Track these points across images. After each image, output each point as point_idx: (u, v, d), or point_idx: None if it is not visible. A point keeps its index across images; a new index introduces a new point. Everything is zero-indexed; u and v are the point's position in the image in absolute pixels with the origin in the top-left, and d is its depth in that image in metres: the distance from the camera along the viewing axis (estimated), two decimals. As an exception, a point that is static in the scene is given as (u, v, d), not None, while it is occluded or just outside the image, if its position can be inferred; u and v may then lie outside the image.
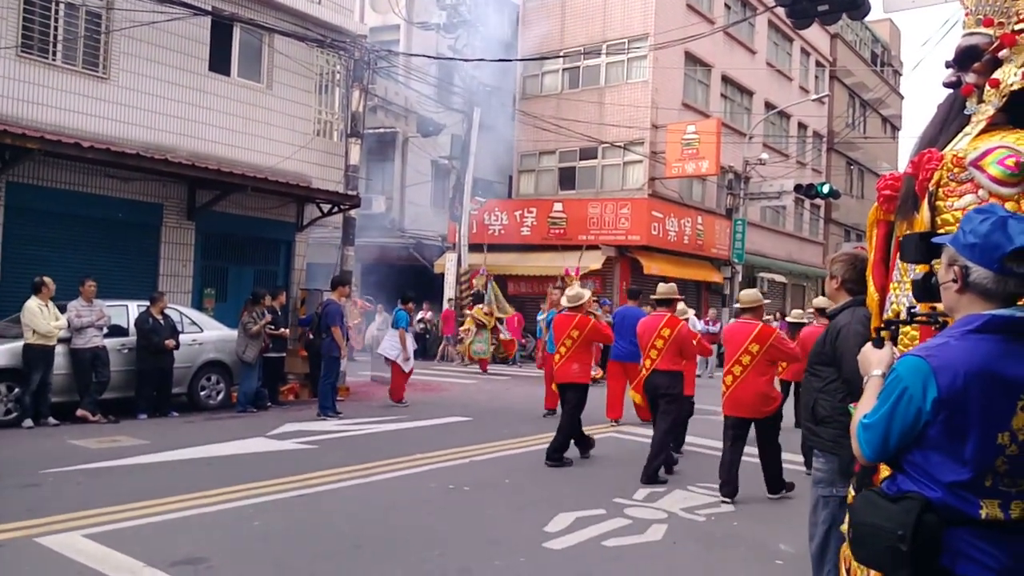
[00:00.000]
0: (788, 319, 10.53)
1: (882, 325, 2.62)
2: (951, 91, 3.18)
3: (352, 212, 14.65)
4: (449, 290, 21.07)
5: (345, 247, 14.94)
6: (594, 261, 21.71)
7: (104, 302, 10.10)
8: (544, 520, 5.73)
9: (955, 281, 2.08)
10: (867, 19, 36.11)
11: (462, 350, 19.49)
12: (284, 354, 12.18)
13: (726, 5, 26.71)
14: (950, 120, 3.14)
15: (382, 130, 22.38)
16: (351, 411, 11.17)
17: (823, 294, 30.19)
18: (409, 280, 21.95)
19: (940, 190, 2.85)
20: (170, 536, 5.16)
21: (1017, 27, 2.91)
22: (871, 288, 3.16)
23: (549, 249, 22.54)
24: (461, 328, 19.44)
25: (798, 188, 25.18)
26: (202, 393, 11.25)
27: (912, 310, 2.57)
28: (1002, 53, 2.91)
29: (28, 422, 9.21)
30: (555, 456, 7.92)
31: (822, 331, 4.23)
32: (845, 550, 2.52)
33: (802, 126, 32.12)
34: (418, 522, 5.76)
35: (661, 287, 7.92)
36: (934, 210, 2.85)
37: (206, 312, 12.40)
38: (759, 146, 27.27)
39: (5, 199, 10.54)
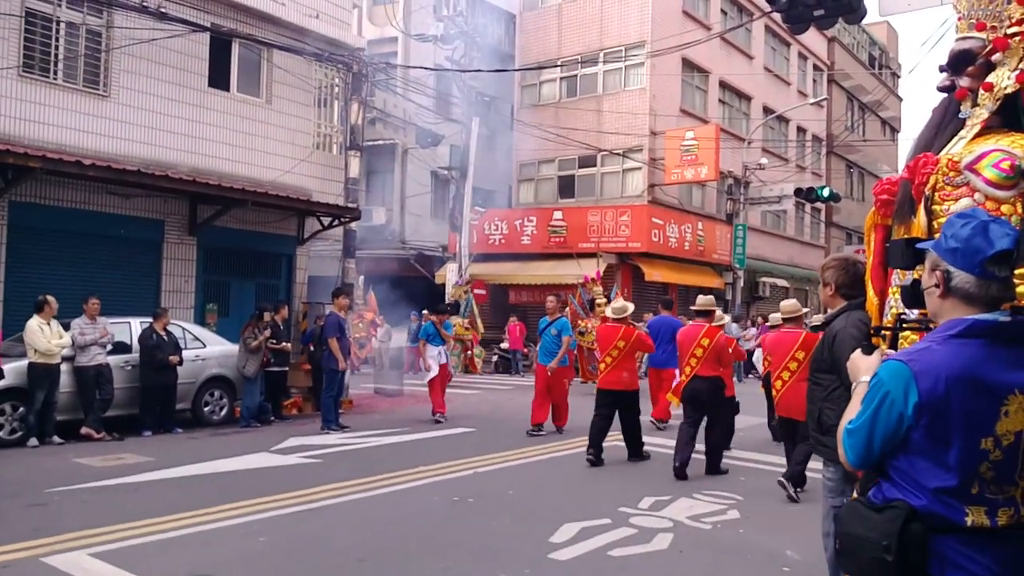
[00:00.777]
0: (769, 324, 10.69)
1: (871, 331, 2.61)
2: (946, 95, 3.19)
3: (352, 224, 14.68)
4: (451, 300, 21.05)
5: (346, 259, 14.97)
6: (594, 269, 21.70)
7: (108, 319, 10.12)
8: (549, 531, 5.72)
9: (937, 286, 2.07)
10: (864, 22, 36.18)
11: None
12: (287, 368, 12.19)
13: (722, 11, 26.80)
14: (945, 124, 3.15)
15: (381, 142, 22.43)
16: (354, 424, 11.16)
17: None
18: (411, 291, 21.98)
19: (936, 194, 2.87)
20: (176, 553, 5.16)
21: (1010, 31, 2.93)
22: (870, 292, 3.16)
23: (550, 258, 22.56)
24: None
25: (798, 192, 25.20)
26: (206, 409, 11.26)
27: (903, 316, 2.57)
28: (995, 57, 2.93)
29: (33, 441, 9.21)
30: (638, 452, 8.81)
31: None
32: None
33: (801, 130, 32.16)
34: (422, 535, 5.75)
35: (700, 299, 8.63)
36: (931, 214, 2.87)
37: (209, 327, 12.42)
38: (758, 151, 27.30)
39: (8, 218, 10.58)
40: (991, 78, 2.91)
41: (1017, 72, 2.84)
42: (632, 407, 8.69)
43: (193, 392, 11.06)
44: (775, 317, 10.32)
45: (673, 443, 8.20)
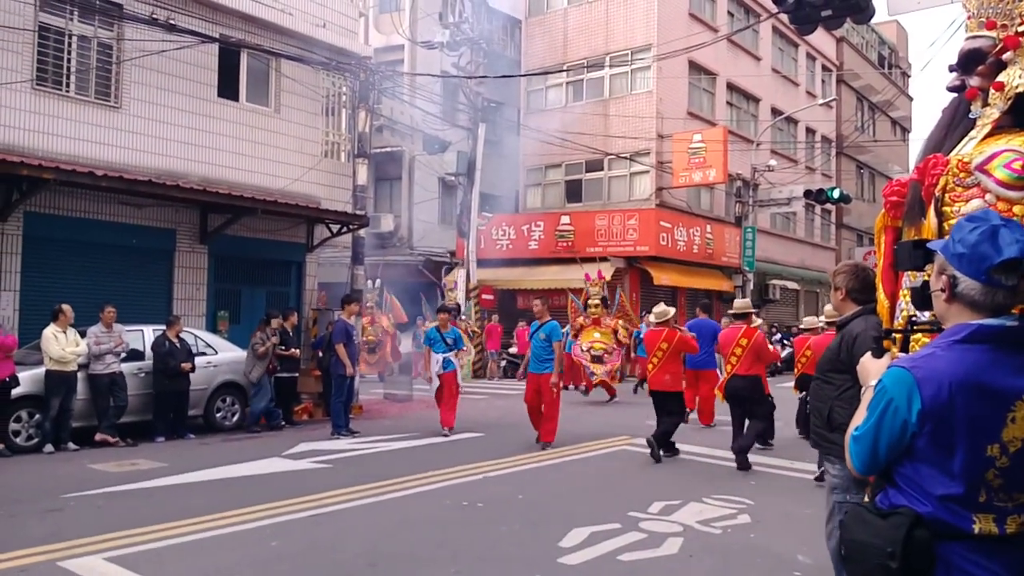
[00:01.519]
0: (803, 326, 10.74)
1: (883, 334, 2.59)
2: (956, 95, 3.16)
3: (361, 231, 14.76)
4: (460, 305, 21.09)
5: (355, 266, 15.04)
6: (603, 273, 21.68)
7: (122, 327, 10.23)
8: (558, 535, 5.75)
9: (944, 290, 2.04)
10: (873, 21, 36.08)
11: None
12: (296, 374, 12.26)
13: (729, 13, 26.79)
14: (955, 124, 3.11)
15: (388, 149, 22.52)
16: (364, 429, 11.22)
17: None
18: (419, 297, 22.02)
19: (947, 195, 2.83)
20: (189, 558, 5.23)
21: (1021, 29, 2.88)
22: (881, 295, 3.14)
23: (557, 262, 22.58)
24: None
25: (808, 194, 25.05)
26: (218, 415, 11.35)
27: (914, 319, 2.55)
28: (1006, 56, 2.89)
29: (49, 447, 9.34)
30: (669, 447, 9.14)
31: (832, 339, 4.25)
32: None
33: (810, 131, 32.05)
34: (433, 539, 5.79)
35: (737, 303, 9.31)
36: (941, 216, 2.83)
37: (220, 334, 12.52)
38: (767, 152, 27.22)
39: (23, 228, 10.70)
40: (1002, 77, 2.88)
41: None
42: (673, 407, 9.16)
43: (205, 398, 11.16)
44: (808, 320, 10.50)
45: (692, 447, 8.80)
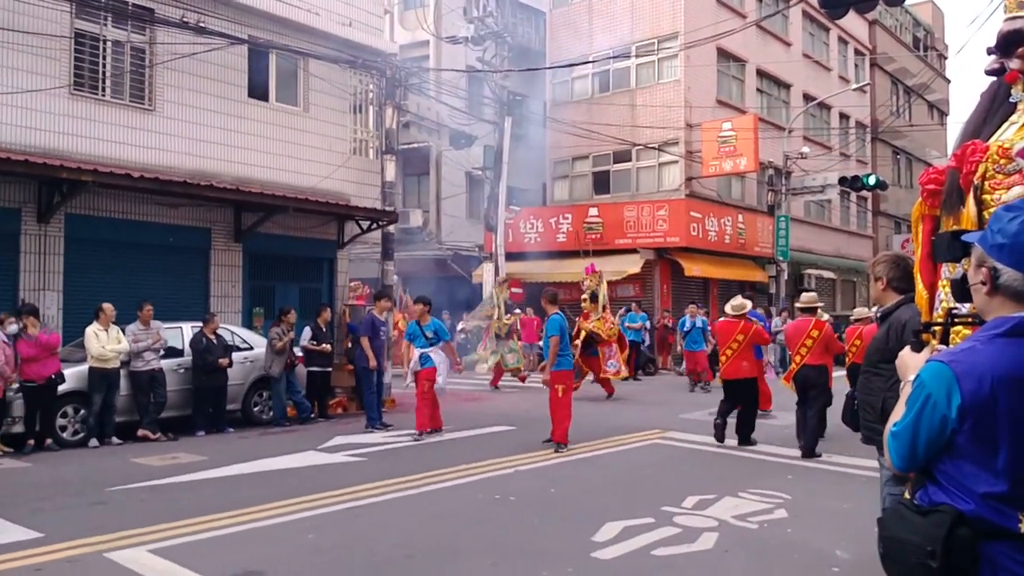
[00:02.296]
0: (854, 317, 10.77)
1: (922, 327, 2.52)
2: (995, 79, 3.07)
3: (390, 227, 14.87)
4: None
5: (385, 262, 15.17)
6: (632, 265, 21.63)
7: (160, 324, 10.45)
8: (592, 530, 5.75)
9: (984, 283, 1.98)
10: (907, 2, 35.28)
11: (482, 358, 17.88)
12: (329, 369, 12.40)
13: (757, -2, 26.45)
14: (994, 109, 3.02)
15: (416, 145, 22.63)
16: (398, 423, 11.33)
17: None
18: (448, 291, 22.14)
19: (986, 183, 2.76)
20: (229, 550, 5.35)
21: None
22: (919, 286, 3.07)
23: (586, 255, 22.51)
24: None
25: (843, 181, 24.60)
26: (255, 409, 11.55)
27: (954, 311, 2.47)
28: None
29: (94, 442, 9.60)
30: (747, 438, 9.50)
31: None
32: None
33: (844, 116, 31.51)
34: (467, 532, 5.86)
35: (804, 296, 9.67)
36: (980, 204, 2.77)
37: (256, 330, 12.73)
38: (800, 139, 26.82)
39: (65, 230, 10.97)
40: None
41: None
42: (751, 393, 9.63)
43: (243, 393, 11.36)
44: (859, 311, 10.61)
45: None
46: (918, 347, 2.31)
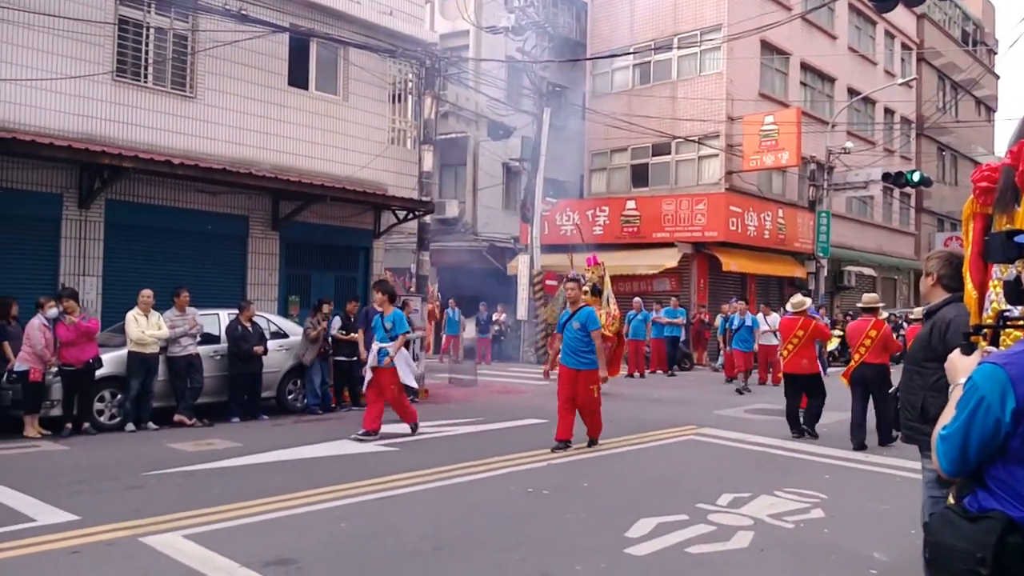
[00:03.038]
0: (913, 316, 10.75)
1: (971, 330, 2.47)
2: None
3: (426, 217, 14.87)
4: (523, 291, 21.14)
5: (420, 252, 15.18)
6: (669, 259, 21.42)
7: (196, 311, 10.55)
8: (625, 525, 5.69)
9: None
10: (956, -3, 34.62)
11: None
12: (356, 358, 12.40)
13: (803, -9, 25.96)
14: None
15: (453, 135, 22.63)
16: (430, 414, 11.33)
17: (916, 287, 28.96)
18: (483, 283, 22.13)
19: None
20: (262, 537, 5.36)
21: None
22: (968, 286, 3.01)
23: (622, 248, 22.35)
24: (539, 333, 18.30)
25: (886, 177, 24.20)
26: (289, 397, 11.63)
27: (1006, 313, 2.43)
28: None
29: (130, 426, 9.72)
30: (799, 429, 9.84)
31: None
32: None
33: (888, 112, 30.90)
34: (497, 525, 5.82)
35: (866, 297, 9.88)
36: None
37: (291, 319, 12.80)
38: (843, 134, 26.37)
39: (105, 215, 11.12)
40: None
41: None
42: (814, 387, 9.93)
43: (277, 380, 11.44)
44: (919, 311, 10.62)
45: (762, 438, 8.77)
46: (968, 349, 2.26)
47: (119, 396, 9.86)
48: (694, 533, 5.57)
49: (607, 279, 14.77)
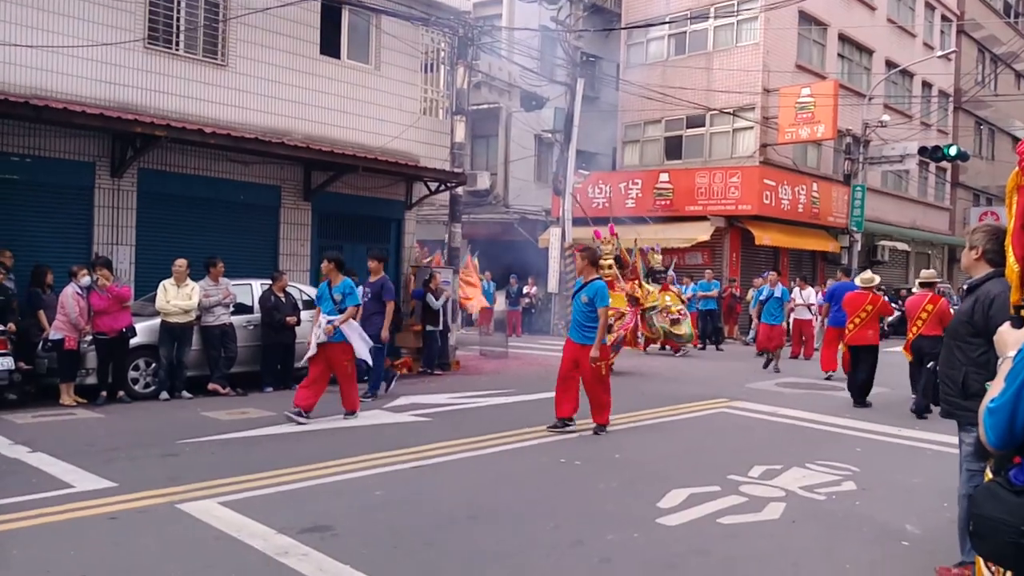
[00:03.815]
0: (920, 280, 10.70)
1: (1020, 304, 2.44)
2: None
3: (458, 189, 14.82)
4: (554, 264, 21.09)
5: (452, 224, 15.17)
6: (702, 232, 21.23)
7: (230, 281, 10.64)
8: (657, 496, 5.69)
9: None
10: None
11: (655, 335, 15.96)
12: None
13: (842, -41, 25.31)
14: None
15: (486, 106, 22.48)
16: (461, 385, 11.40)
17: (950, 262, 28.44)
18: (514, 255, 22.10)
19: None
20: (297, 504, 5.42)
21: None
22: (1011, 259, 2.97)
23: (655, 221, 22.16)
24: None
25: (923, 151, 23.82)
26: (321, 367, 11.69)
27: None
28: None
29: (164, 395, 9.86)
30: (861, 400, 10.42)
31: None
32: None
33: (927, 85, 30.24)
34: (531, 495, 5.83)
35: (924, 273, 10.25)
36: None
37: (323, 289, 12.84)
38: (880, 107, 25.87)
39: (137, 185, 11.20)
40: None
41: None
42: (871, 359, 10.48)
43: (310, 351, 11.50)
44: (927, 273, 10.84)
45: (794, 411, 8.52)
46: (1018, 323, 2.23)
47: (153, 365, 10.00)
48: (726, 504, 5.57)
49: (634, 252, 14.12)
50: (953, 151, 23.18)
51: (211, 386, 10.25)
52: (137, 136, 10.60)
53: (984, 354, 3.76)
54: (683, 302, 16.50)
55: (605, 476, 6.37)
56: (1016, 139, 36.62)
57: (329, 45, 13.36)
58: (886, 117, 24.83)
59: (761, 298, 15.31)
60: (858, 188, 24.23)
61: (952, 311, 9.50)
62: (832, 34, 24.92)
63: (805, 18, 23.64)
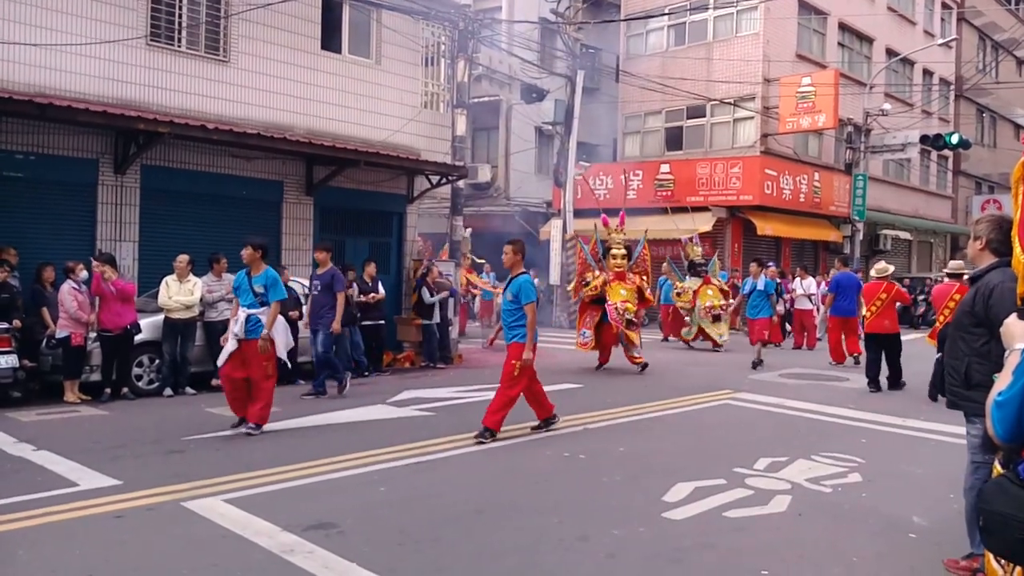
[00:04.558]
0: (947, 271, 10.72)
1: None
2: None
3: (459, 182, 14.80)
4: (555, 256, 21.07)
5: (453, 217, 15.14)
6: (704, 223, 21.18)
7: (231, 276, 10.60)
8: (662, 489, 5.69)
9: None
10: (1001, -48, 33.43)
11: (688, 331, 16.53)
12: (382, 322, 12.46)
13: (842, -52, 25.19)
14: None
15: (486, 99, 22.43)
16: (465, 379, 11.39)
17: (952, 251, 28.50)
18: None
19: None
20: (302, 501, 5.42)
21: None
22: (1018, 250, 2.96)
23: (657, 212, 22.10)
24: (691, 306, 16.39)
25: (924, 139, 23.78)
26: (324, 362, 11.69)
27: None
28: None
29: (168, 391, 9.87)
30: (898, 384, 10.89)
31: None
32: None
33: (927, 73, 30.13)
34: (536, 489, 5.84)
35: (952, 263, 10.20)
36: None
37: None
38: (881, 96, 25.81)
39: (141, 181, 11.20)
40: None
41: None
42: (894, 346, 10.91)
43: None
44: (955, 264, 11.04)
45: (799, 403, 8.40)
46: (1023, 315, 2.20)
47: (156, 361, 10.02)
48: (731, 497, 5.57)
49: (646, 251, 13.49)
50: (955, 139, 23.13)
51: (215, 382, 10.23)
52: (140, 133, 10.60)
53: (986, 344, 3.76)
54: (725, 295, 16.35)
55: (609, 470, 6.37)
56: (1018, 127, 36.52)
57: (330, 40, 13.34)
58: (887, 106, 24.78)
59: (745, 291, 14.40)
60: (860, 177, 24.18)
61: None
62: (832, 23, 24.83)
63: (805, 7, 23.57)
